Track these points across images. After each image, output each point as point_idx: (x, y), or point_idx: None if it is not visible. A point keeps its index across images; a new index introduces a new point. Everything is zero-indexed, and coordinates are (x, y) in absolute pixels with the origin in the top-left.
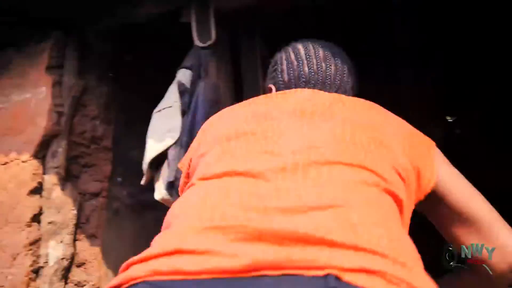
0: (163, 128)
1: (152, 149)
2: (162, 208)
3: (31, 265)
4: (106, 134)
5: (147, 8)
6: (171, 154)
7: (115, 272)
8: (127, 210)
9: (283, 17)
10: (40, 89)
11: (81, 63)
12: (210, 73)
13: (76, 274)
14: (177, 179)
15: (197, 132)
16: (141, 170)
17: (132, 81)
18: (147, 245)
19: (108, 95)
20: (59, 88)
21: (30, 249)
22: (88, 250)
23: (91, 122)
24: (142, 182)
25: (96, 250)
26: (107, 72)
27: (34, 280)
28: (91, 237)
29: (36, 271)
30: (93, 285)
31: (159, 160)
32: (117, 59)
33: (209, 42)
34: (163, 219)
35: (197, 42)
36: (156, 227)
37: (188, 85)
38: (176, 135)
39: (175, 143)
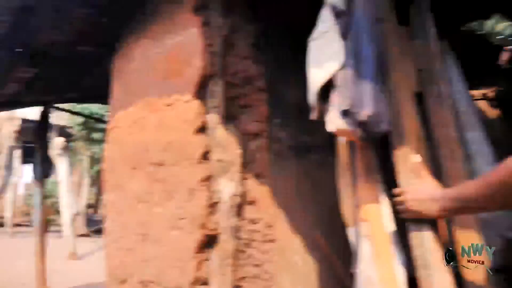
0: (324, 54)
1: (316, 78)
2: (325, 150)
3: (207, 200)
4: (259, 75)
5: None
6: (339, 80)
7: (287, 213)
8: (289, 151)
9: None
10: (190, 31)
11: (226, 2)
12: None
13: (249, 212)
14: (352, 107)
15: (362, 56)
16: (299, 111)
17: (279, 18)
18: (312, 188)
19: (256, 34)
20: (208, 28)
21: (204, 185)
22: (257, 189)
23: (242, 62)
24: (313, 116)
25: (264, 189)
26: (252, 10)
27: (212, 214)
28: (258, 176)
29: (213, 206)
30: (266, 222)
31: (324, 90)
32: None
33: None
34: (327, 162)
35: None
36: (319, 170)
37: (342, 6)
38: (340, 59)
39: (341, 68)
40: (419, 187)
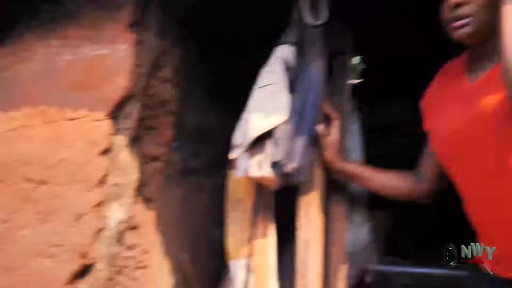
0: (269, 105)
1: (256, 126)
2: (204, 175)
3: (95, 227)
4: (174, 98)
5: None
6: (279, 132)
7: (164, 239)
8: (177, 175)
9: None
10: (119, 46)
11: (162, 22)
12: (321, 54)
13: (130, 237)
14: (283, 159)
15: (305, 114)
16: (195, 134)
17: (198, 44)
18: (189, 211)
19: (180, 57)
20: (141, 48)
21: (96, 210)
22: (143, 214)
23: (163, 84)
24: (234, 155)
25: (151, 214)
26: (183, 33)
27: (96, 241)
28: (148, 201)
29: (98, 233)
30: (143, 249)
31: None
32: (189, 21)
33: (320, 22)
34: (205, 185)
35: (309, 20)
36: (198, 193)
37: (292, 62)
38: (284, 114)
39: (284, 122)
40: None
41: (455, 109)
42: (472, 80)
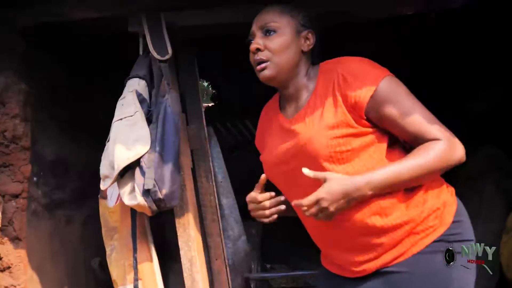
0: (130, 137)
1: (122, 157)
2: (70, 207)
3: None
4: (25, 133)
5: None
6: (145, 162)
7: (40, 275)
8: (43, 209)
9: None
10: None
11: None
12: (173, 86)
13: (2, 279)
14: (154, 186)
15: (167, 143)
16: (54, 168)
17: (46, 79)
18: (61, 244)
19: (27, 92)
20: None
21: None
22: (13, 254)
23: (11, 120)
24: (105, 186)
25: (21, 253)
26: (25, 68)
27: None
28: (15, 240)
29: None
30: None
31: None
32: (33, 56)
33: (167, 56)
34: (73, 217)
35: (156, 55)
36: (67, 225)
37: (145, 95)
38: (146, 144)
39: (147, 151)
40: (325, 190)
41: (276, 142)
42: (289, 117)
